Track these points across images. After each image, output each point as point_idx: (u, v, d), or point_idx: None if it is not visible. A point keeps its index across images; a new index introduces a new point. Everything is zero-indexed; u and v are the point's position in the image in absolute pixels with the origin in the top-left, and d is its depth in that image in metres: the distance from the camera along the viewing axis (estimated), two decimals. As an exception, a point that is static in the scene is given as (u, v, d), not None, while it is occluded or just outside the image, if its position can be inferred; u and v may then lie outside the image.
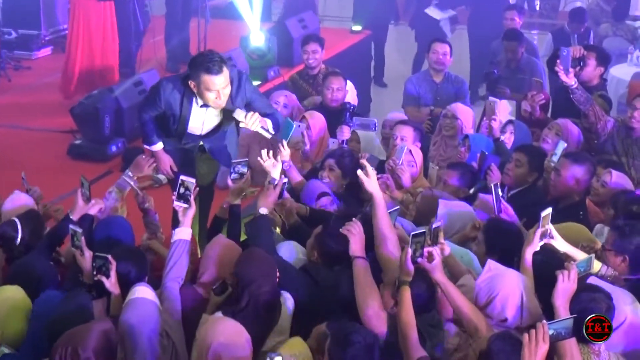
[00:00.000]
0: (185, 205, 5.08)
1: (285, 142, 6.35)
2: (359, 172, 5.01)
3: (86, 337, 4.09)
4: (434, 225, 4.77)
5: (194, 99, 6.01)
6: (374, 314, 4.49)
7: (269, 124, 6.04)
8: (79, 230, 5.03)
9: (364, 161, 5.43)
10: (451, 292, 4.51)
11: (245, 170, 5.52)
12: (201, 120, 6.14)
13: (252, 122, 5.94)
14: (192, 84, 5.88)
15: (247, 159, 5.66)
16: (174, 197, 5.08)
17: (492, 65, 9.38)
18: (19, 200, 5.74)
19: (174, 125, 6.13)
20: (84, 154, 8.72)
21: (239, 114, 5.96)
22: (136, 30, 10.80)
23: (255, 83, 9.89)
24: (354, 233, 4.78)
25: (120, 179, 5.97)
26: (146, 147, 6.32)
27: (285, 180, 5.56)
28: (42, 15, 12.11)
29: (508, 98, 8.55)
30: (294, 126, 6.58)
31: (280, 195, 5.53)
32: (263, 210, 5.27)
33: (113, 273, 4.76)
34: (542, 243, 4.88)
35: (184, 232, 5.03)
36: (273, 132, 6.11)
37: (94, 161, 8.48)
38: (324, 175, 6.44)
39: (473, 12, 13.02)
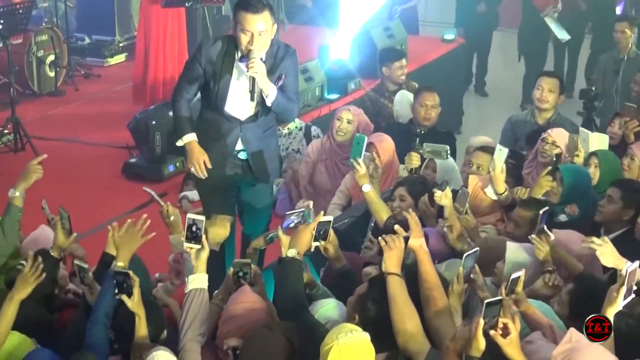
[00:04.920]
0: (197, 246, 4.41)
1: (360, 160, 5.70)
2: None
3: None
4: (513, 275, 4.22)
5: (236, 53, 5.48)
6: (414, 335, 4.02)
7: (272, 90, 5.41)
8: (85, 266, 4.61)
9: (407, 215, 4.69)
10: None
11: (300, 221, 4.74)
12: (241, 87, 5.52)
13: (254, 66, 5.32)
14: (232, 26, 5.46)
15: (303, 209, 4.86)
16: (183, 239, 4.43)
17: (591, 82, 8.46)
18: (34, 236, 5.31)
19: (214, 87, 5.53)
20: (137, 173, 8.09)
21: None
22: (205, 40, 10.18)
23: (334, 96, 9.33)
24: (392, 247, 4.23)
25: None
26: (178, 143, 5.69)
27: (331, 219, 4.76)
28: (117, 20, 11.72)
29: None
30: (365, 139, 5.84)
31: (325, 236, 4.72)
32: (292, 252, 4.44)
33: (136, 291, 4.27)
34: (625, 302, 4.18)
35: (199, 280, 4.35)
36: (267, 95, 5.43)
37: (148, 181, 7.69)
38: (394, 206, 5.72)
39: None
